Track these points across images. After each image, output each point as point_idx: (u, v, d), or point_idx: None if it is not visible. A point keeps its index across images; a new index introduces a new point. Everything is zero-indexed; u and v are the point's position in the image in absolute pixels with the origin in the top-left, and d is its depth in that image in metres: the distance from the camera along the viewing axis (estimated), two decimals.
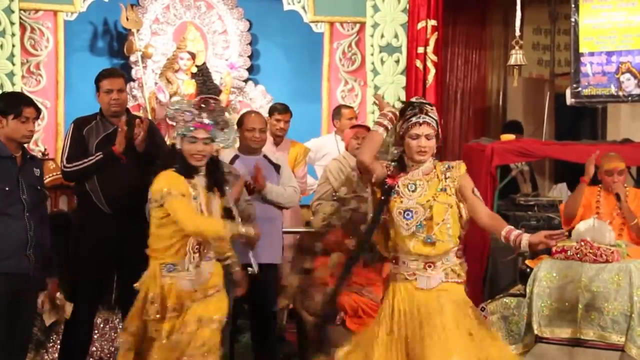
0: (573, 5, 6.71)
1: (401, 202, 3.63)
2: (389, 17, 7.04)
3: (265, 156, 5.26)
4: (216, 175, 4.02)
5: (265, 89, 7.95)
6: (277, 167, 5.24)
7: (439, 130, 3.70)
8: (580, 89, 6.74)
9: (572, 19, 6.73)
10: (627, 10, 6.54)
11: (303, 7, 7.19)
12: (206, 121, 3.90)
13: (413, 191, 3.64)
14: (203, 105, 3.95)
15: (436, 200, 3.62)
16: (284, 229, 5.62)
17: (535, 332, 5.02)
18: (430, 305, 3.59)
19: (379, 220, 3.68)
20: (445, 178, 3.66)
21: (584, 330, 4.92)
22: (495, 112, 9.18)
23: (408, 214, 3.61)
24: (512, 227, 3.70)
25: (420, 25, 6.75)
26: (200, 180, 3.95)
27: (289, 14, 7.32)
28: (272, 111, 6.28)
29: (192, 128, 3.88)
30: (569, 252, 5.20)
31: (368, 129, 6.30)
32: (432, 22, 6.72)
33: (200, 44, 7.81)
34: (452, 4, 7.09)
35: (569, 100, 6.85)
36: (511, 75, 6.67)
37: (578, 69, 6.74)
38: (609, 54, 6.63)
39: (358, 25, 7.27)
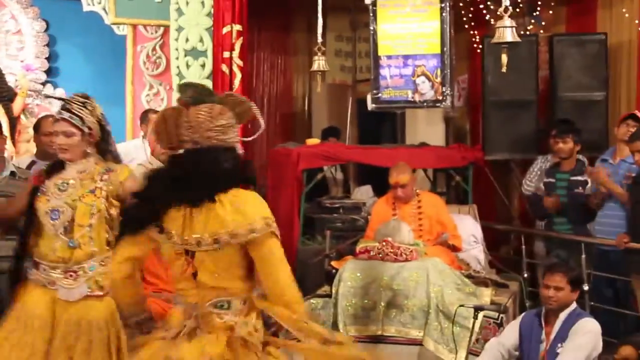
0: (371, 15, 6.96)
1: (48, 201, 3.47)
2: (194, 21, 6.95)
3: None
4: None
5: (65, 92, 7.63)
6: None
7: (90, 128, 3.51)
8: (380, 94, 7.00)
9: (372, 27, 6.99)
10: (420, 16, 6.88)
11: (104, 9, 6.95)
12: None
13: (63, 190, 3.49)
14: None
15: (82, 201, 3.47)
16: None
17: (341, 331, 5.13)
18: (69, 324, 3.43)
19: (30, 224, 3.51)
20: (101, 180, 3.51)
21: (385, 327, 5.11)
22: (301, 117, 9.35)
23: (55, 214, 3.46)
24: None
25: (225, 29, 6.71)
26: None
27: (89, 15, 7.05)
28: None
29: None
30: (371, 252, 5.39)
31: None
32: (237, 27, 6.71)
33: None
34: (257, 10, 7.12)
35: (370, 105, 7.10)
36: (315, 81, 6.80)
37: (377, 76, 7.01)
38: (406, 57, 6.94)
39: (162, 29, 7.14)
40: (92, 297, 3.47)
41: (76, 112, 3.47)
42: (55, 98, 3.48)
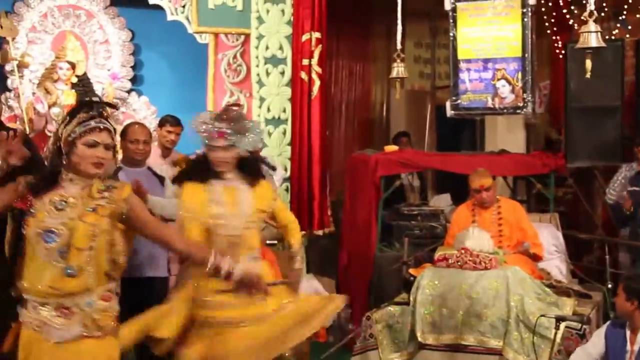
0: (451, 20, 6.92)
1: (41, 221, 2.92)
2: (274, 29, 7.05)
3: (149, 168, 5.15)
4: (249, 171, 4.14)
5: (149, 100, 7.83)
6: (161, 179, 5.14)
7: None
8: (459, 101, 6.95)
9: (451, 34, 6.94)
10: (501, 19, 6.79)
11: (187, 18, 7.11)
12: (225, 129, 3.99)
13: (61, 209, 2.95)
14: (223, 115, 4.06)
15: (82, 220, 2.94)
16: None
17: (419, 339, 5.12)
18: None
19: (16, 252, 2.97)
20: (102, 197, 2.98)
21: (464, 336, 5.06)
22: (379, 124, 9.35)
23: (49, 236, 2.91)
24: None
25: (304, 37, 6.78)
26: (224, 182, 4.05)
27: (172, 24, 7.22)
28: (163, 123, 6.14)
29: (212, 137, 4.01)
30: (450, 260, 5.35)
31: None
32: (317, 35, 6.76)
33: (80, 54, 7.61)
34: (336, 17, 7.16)
35: (449, 112, 7.04)
36: (394, 88, 6.79)
37: (457, 82, 6.96)
38: (485, 61, 6.87)
39: (243, 37, 7.25)
40: (88, 339, 2.94)
41: (112, 123, 3.10)
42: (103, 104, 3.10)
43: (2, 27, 7.19)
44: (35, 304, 2.92)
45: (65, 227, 2.91)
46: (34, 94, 7.42)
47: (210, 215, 3.96)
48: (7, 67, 7.34)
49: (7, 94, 7.29)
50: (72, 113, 3.04)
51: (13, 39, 7.30)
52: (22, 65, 7.36)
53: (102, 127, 2.99)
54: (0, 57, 7.32)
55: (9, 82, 7.37)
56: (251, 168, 4.17)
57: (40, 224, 2.91)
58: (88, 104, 3.08)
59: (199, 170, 4.12)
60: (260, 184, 4.15)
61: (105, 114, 3.05)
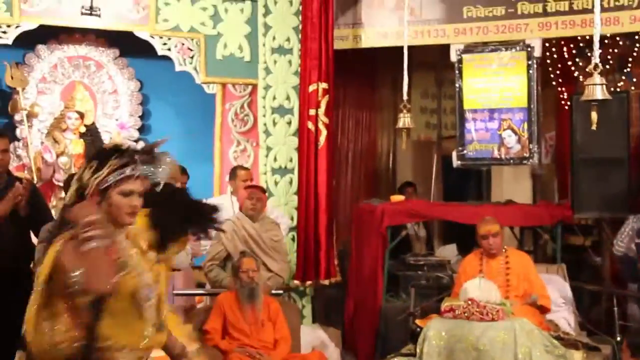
0: (457, 72, 6.98)
1: (137, 277, 2.76)
2: (281, 80, 7.13)
3: None
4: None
5: (157, 149, 7.85)
6: None
7: None
8: (465, 151, 6.97)
9: (457, 85, 7.01)
10: (506, 70, 6.86)
11: (195, 68, 7.19)
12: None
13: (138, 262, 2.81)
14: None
15: (158, 275, 2.87)
16: (175, 291, 5.51)
17: None
18: None
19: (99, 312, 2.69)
20: (147, 248, 2.89)
21: None
22: (385, 173, 9.37)
23: (149, 293, 2.79)
24: None
25: (311, 87, 6.84)
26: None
27: (180, 74, 7.30)
28: None
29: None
30: (457, 311, 5.31)
31: (262, 189, 6.33)
32: (324, 85, 6.83)
33: (89, 103, 7.69)
34: (343, 68, 7.24)
35: (455, 162, 7.06)
36: (400, 138, 6.82)
37: (463, 132, 6.99)
38: (491, 111, 6.92)
39: (250, 87, 7.32)
40: None
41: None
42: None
43: (12, 78, 7.28)
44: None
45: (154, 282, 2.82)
46: (42, 143, 7.47)
47: None
48: (17, 117, 7.40)
49: (16, 143, 7.34)
50: (100, 159, 2.83)
51: (23, 89, 7.38)
52: (31, 115, 7.43)
53: (136, 175, 2.81)
54: (10, 107, 7.39)
55: (17, 131, 7.43)
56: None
57: (137, 281, 2.74)
58: (118, 150, 2.86)
59: None
60: None
61: (137, 160, 2.84)
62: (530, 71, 6.73)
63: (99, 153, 2.92)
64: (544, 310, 5.65)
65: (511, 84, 6.86)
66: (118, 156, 2.83)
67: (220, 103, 7.40)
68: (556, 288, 6.12)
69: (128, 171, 2.80)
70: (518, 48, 6.86)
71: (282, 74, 7.13)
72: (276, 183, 7.09)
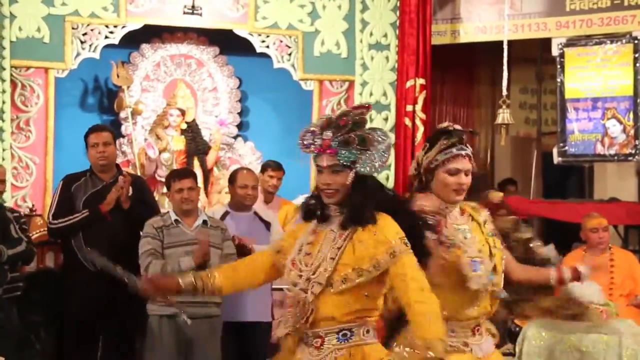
0: (559, 66, 6.81)
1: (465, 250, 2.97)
2: (378, 76, 7.12)
3: (256, 213, 5.23)
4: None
5: (255, 145, 7.98)
6: (267, 225, 5.21)
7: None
8: (566, 147, 6.79)
9: (558, 80, 6.84)
10: (610, 63, 6.66)
11: (292, 65, 7.27)
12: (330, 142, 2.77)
13: (465, 238, 3.03)
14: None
15: (495, 246, 3.10)
16: (273, 286, 5.58)
17: None
18: None
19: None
20: (484, 221, 3.13)
21: None
22: (482, 170, 9.22)
23: (475, 264, 2.98)
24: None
25: (409, 83, 6.82)
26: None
27: (278, 71, 7.39)
28: (265, 167, 6.24)
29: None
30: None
31: None
32: (421, 81, 6.79)
33: (190, 101, 7.85)
34: (440, 63, 7.18)
35: (556, 159, 6.90)
36: (499, 134, 6.71)
37: (564, 128, 6.82)
38: (595, 100, 6.72)
39: (347, 83, 7.35)
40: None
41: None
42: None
43: (118, 77, 7.51)
44: (456, 327, 3.00)
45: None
46: (145, 140, 7.68)
47: None
48: (122, 115, 7.63)
49: (121, 140, 7.57)
50: (432, 140, 3.08)
51: (128, 87, 7.61)
52: (135, 113, 7.65)
53: (463, 154, 3.02)
54: (115, 105, 7.63)
55: (122, 128, 7.66)
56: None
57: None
58: (447, 131, 3.05)
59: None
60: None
61: (464, 140, 3.04)
62: (638, 64, 6.50)
63: (431, 136, 3.16)
64: None
65: (616, 72, 6.65)
66: (447, 137, 3.02)
67: (318, 99, 7.45)
68: None
69: (454, 150, 3.00)
70: (624, 41, 6.64)
71: (379, 70, 7.13)
72: None
